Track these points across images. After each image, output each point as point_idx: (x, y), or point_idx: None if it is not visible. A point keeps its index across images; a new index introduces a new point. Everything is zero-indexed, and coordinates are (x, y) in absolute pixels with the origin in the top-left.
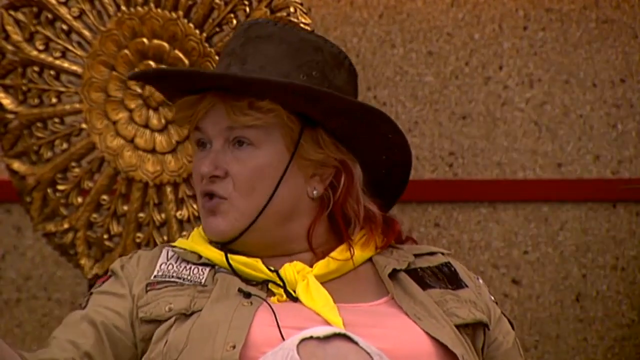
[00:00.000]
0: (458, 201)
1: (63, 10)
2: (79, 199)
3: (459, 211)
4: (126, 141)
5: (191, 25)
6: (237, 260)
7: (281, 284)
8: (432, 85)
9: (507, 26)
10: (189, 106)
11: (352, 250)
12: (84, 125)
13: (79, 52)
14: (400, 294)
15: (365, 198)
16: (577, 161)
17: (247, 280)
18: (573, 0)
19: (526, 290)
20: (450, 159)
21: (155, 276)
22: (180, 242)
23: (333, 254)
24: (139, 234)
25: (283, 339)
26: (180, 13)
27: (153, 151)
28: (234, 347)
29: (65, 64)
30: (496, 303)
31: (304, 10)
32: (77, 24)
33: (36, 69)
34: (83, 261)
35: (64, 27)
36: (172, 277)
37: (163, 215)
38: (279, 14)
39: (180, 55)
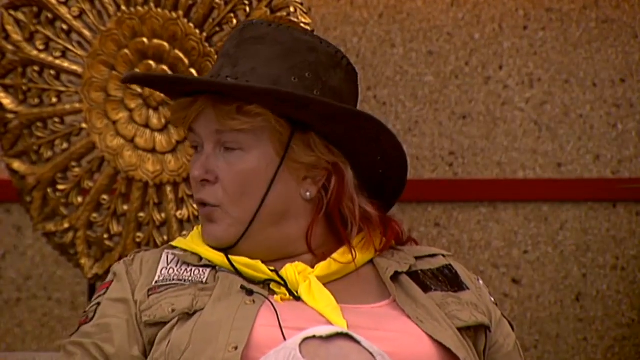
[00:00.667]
0: (458, 201)
1: (63, 10)
2: (79, 199)
3: (459, 211)
4: (126, 141)
5: (191, 25)
6: (238, 261)
7: (282, 283)
8: (432, 85)
9: (507, 26)
10: (182, 108)
11: (353, 252)
12: (84, 125)
13: (79, 51)
14: (402, 297)
15: (362, 199)
16: (577, 161)
17: (248, 280)
18: (573, 0)
19: (526, 290)
20: (450, 159)
21: (156, 282)
22: (180, 242)
23: (334, 255)
24: (139, 234)
25: (285, 340)
26: (181, 13)
27: (153, 151)
28: (236, 348)
29: (66, 64)
30: (496, 304)
31: (304, 10)
32: (77, 24)
33: (36, 68)
34: (83, 261)
35: (64, 26)
36: (173, 280)
37: (163, 215)
38: (279, 14)
39: (181, 55)
